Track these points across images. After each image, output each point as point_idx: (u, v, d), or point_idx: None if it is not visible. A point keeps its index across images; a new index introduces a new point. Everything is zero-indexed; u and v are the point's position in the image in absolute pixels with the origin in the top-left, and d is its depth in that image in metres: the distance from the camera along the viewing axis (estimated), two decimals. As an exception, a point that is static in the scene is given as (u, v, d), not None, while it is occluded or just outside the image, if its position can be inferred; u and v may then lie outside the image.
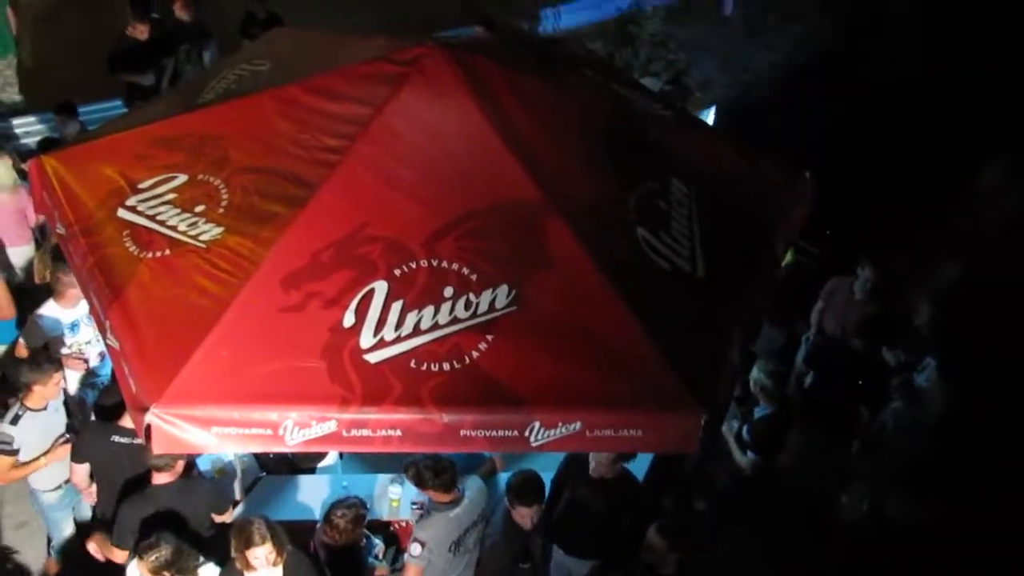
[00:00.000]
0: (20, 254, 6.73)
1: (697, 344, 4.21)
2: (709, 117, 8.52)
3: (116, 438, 5.05)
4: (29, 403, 5.21)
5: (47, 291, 5.97)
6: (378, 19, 9.90)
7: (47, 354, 5.44)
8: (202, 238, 4.33)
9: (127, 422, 4.94)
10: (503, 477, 5.37)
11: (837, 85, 9.60)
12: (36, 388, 5.21)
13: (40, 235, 6.71)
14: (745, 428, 5.83)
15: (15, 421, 5.19)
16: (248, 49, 6.64)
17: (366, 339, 3.97)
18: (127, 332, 4.10)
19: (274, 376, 3.88)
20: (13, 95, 9.29)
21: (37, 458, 5.25)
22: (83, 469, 5.19)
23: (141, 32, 8.06)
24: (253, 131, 4.77)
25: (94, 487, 5.32)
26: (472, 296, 4.11)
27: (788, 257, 6.28)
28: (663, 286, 4.43)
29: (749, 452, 5.77)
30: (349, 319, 4.01)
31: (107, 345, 4.38)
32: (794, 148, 6.68)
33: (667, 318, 4.21)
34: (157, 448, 3.86)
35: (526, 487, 4.94)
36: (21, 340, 5.82)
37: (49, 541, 5.91)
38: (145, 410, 3.74)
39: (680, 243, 4.65)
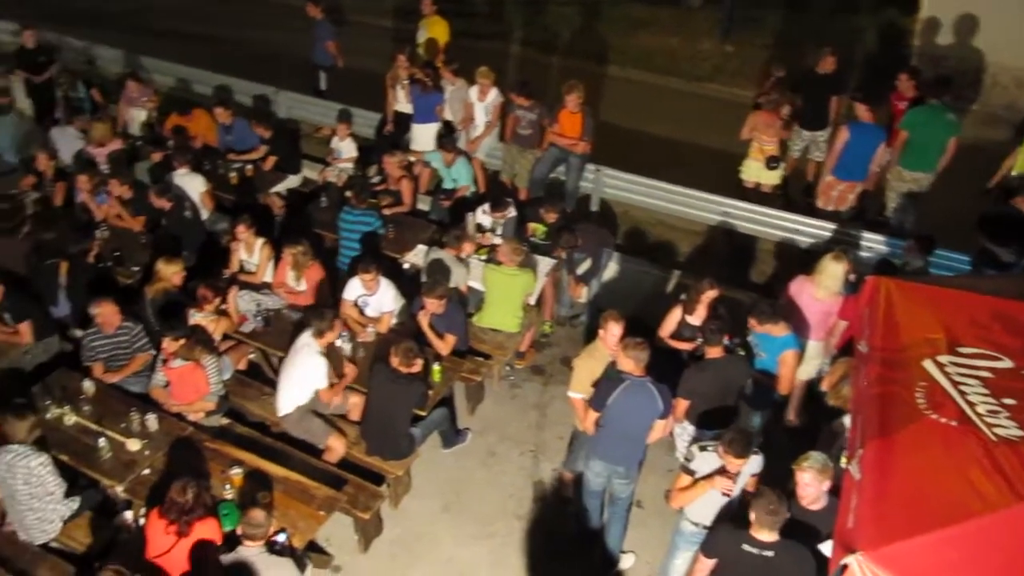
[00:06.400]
0: (813, 347, 7.18)
1: None
2: None
3: (746, 547, 4.99)
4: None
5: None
6: None
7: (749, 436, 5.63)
8: (996, 431, 4.01)
9: (761, 534, 4.91)
10: None
11: None
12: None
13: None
14: None
15: (704, 449, 5.58)
16: None
17: None
18: (874, 472, 4.03)
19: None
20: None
21: (697, 482, 5.56)
22: (707, 565, 5.24)
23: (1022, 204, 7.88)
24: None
25: None
26: None
27: None
28: None
29: None
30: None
31: (845, 469, 4.40)
32: None
33: None
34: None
35: None
36: None
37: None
38: (851, 551, 3.65)
39: None
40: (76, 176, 9.37)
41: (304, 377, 6.78)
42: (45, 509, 5.91)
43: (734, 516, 5.46)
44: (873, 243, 9.06)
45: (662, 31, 15.50)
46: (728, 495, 5.49)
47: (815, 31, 13.79)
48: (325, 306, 7.47)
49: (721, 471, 5.45)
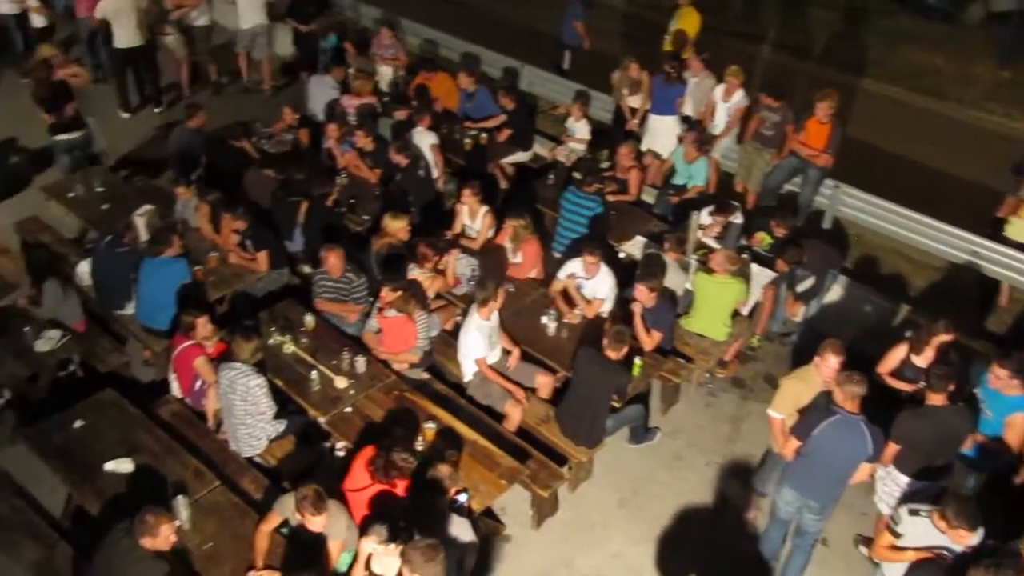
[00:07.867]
0: None
1: None
2: None
3: None
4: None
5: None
6: None
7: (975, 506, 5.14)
8: None
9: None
10: None
11: None
12: None
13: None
14: None
15: (915, 513, 5.20)
16: None
17: None
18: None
19: None
20: None
21: (909, 550, 5.21)
22: None
23: None
24: None
25: None
26: None
27: None
28: None
29: None
30: None
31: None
32: None
33: None
34: None
35: None
36: None
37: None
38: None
39: None
40: (326, 125, 9.96)
41: (467, 347, 7.00)
42: (256, 426, 6.35)
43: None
44: None
45: (930, 47, 14.46)
46: None
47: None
48: (539, 281, 7.54)
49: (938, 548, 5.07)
